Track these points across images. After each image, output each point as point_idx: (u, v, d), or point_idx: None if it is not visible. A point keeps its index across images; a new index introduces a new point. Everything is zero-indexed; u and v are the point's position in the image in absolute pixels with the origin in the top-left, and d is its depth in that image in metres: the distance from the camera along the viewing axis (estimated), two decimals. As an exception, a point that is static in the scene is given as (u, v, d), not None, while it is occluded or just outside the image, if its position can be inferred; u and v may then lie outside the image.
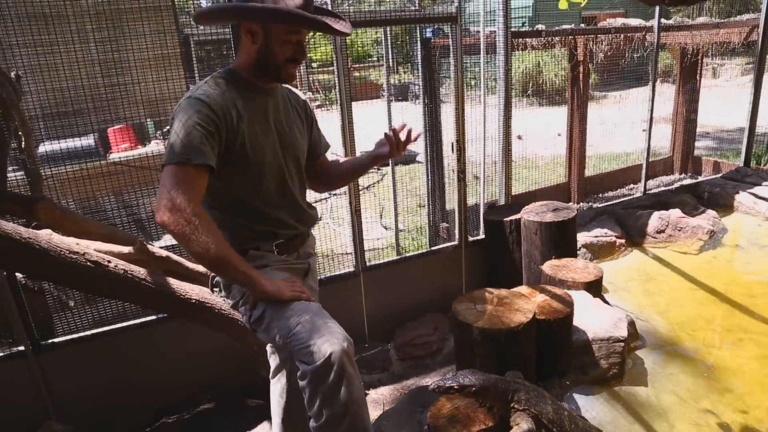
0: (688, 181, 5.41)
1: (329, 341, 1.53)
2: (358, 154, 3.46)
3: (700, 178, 5.45)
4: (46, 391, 2.78)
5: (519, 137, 8.00)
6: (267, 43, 1.69)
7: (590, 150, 8.09)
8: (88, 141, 4.77)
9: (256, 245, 1.84)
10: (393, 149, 1.95)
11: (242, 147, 1.72)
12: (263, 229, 1.84)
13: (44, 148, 3.32)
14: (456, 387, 1.78)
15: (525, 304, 2.19)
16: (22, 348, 2.72)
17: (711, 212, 4.50)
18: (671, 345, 3.11)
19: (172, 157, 1.57)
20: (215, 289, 2.00)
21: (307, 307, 1.65)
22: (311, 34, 2.64)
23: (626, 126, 7.65)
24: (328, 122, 3.86)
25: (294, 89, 2.02)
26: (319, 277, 3.28)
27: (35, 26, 2.90)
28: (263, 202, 1.82)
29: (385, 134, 1.97)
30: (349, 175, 2.16)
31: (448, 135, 4.07)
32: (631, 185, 6.03)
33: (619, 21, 5.06)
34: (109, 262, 2.16)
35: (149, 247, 2.37)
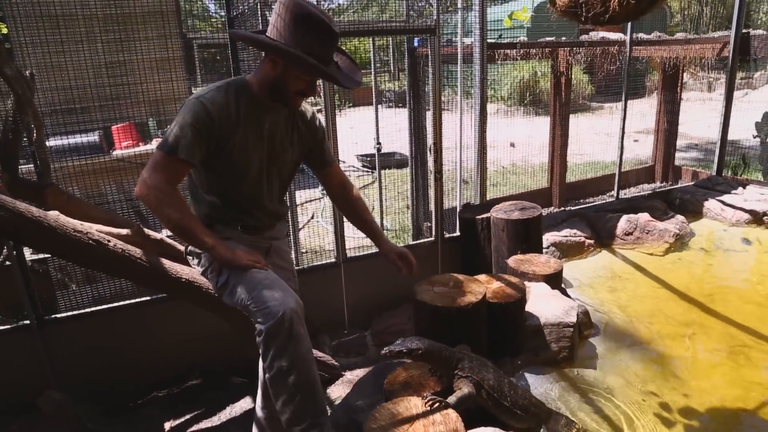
0: (662, 189, 5.66)
1: (281, 303, 1.81)
2: (348, 156, 3.69)
3: (673, 186, 5.70)
4: (48, 362, 3.04)
5: (512, 144, 8.28)
6: (284, 74, 1.92)
7: (581, 158, 8.36)
8: (93, 137, 5.06)
9: (225, 222, 2.14)
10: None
11: (230, 154, 1.98)
12: (233, 214, 2.13)
13: (52, 143, 3.59)
14: (405, 350, 2.04)
15: (477, 287, 2.45)
16: (27, 322, 2.99)
17: (679, 217, 4.74)
18: (626, 335, 3.34)
19: (163, 146, 1.86)
20: (189, 257, 2.27)
21: (265, 275, 1.93)
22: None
23: (617, 136, 7.92)
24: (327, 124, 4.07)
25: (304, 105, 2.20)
26: (303, 267, 3.55)
27: (45, 27, 3.16)
28: (237, 196, 2.11)
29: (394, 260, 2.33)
30: (357, 221, 2.40)
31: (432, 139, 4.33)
32: (612, 192, 6.27)
33: (600, 35, 5.34)
34: (108, 241, 2.43)
35: (145, 230, 2.64)
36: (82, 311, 3.11)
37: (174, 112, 4.35)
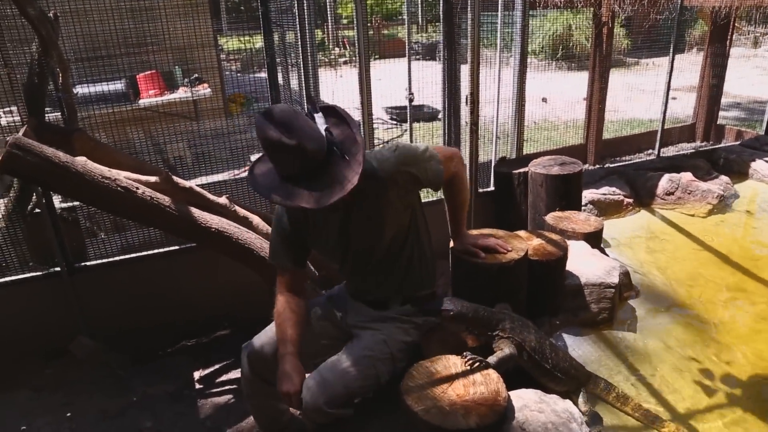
0: (705, 148, 5.42)
1: None
2: (375, 109, 3.53)
3: (717, 145, 5.44)
4: (79, 309, 3.04)
5: (544, 100, 7.99)
6: None
7: (616, 115, 8.05)
8: (119, 86, 4.98)
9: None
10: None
11: (311, 246, 2.11)
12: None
13: (77, 91, 3.51)
14: (448, 312, 1.97)
15: (519, 243, 2.33)
16: (58, 269, 2.98)
17: (724, 178, 4.53)
18: (666, 298, 3.23)
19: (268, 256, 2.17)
20: None
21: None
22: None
23: (654, 93, 7.58)
24: (354, 77, 3.93)
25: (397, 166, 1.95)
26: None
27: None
28: (342, 271, 2.22)
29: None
30: (449, 212, 2.32)
31: (467, 91, 4.16)
32: (649, 150, 6.02)
33: (647, -18, 5.01)
34: (137, 188, 2.36)
35: (174, 178, 2.56)
36: (112, 259, 3.09)
37: (200, 60, 4.25)
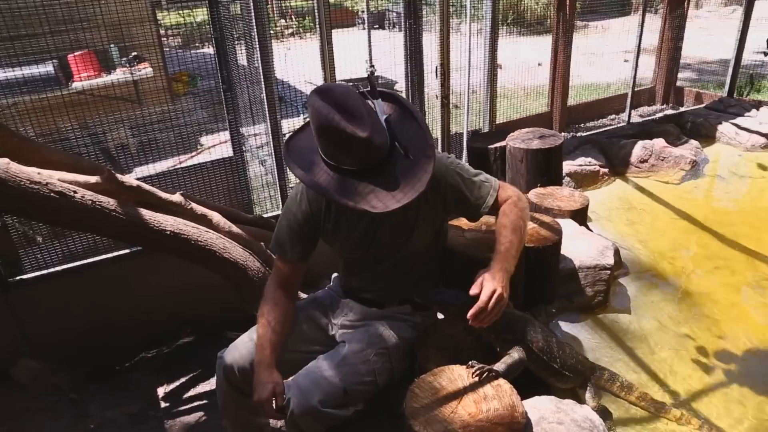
0: (671, 111, 5.35)
1: None
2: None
3: (683, 109, 5.39)
4: (19, 329, 2.68)
5: (499, 66, 7.81)
6: None
7: (572, 80, 7.97)
8: (47, 68, 4.48)
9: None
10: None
11: (327, 239, 1.93)
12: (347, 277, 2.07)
13: (-4, 76, 3.08)
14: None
15: (514, 231, 2.13)
16: (-12, 285, 2.61)
17: (693, 142, 4.47)
18: (653, 273, 3.14)
19: (270, 244, 1.98)
20: None
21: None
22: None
23: (608, 57, 7.47)
24: (303, 50, 3.63)
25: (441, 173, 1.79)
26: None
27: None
28: (347, 267, 2.05)
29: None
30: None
31: (430, 61, 3.91)
32: (613, 115, 5.94)
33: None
34: (75, 192, 2.02)
35: (118, 176, 2.22)
36: (52, 270, 2.73)
37: (138, 37, 3.84)
